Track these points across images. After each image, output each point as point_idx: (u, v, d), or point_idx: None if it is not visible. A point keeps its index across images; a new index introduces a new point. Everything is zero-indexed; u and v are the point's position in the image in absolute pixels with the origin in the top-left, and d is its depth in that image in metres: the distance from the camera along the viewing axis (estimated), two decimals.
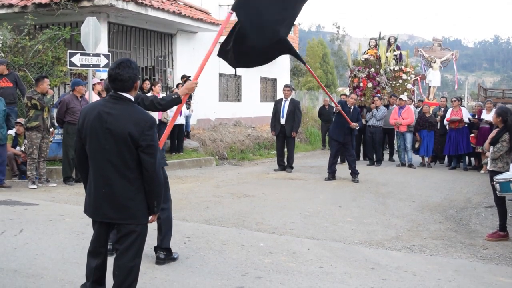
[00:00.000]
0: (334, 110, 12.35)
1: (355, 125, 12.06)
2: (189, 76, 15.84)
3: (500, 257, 6.49)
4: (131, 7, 13.26)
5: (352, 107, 12.38)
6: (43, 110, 9.85)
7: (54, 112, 10.72)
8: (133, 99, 4.05)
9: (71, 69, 12.26)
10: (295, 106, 13.28)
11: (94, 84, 11.25)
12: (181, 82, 15.57)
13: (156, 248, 5.59)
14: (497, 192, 6.98)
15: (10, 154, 10.62)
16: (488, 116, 13.70)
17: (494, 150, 7.35)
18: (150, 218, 4.09)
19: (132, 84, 4.03)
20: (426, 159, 15.29)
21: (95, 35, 11.17)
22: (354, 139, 13.17)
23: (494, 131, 7.60)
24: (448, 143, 14.42)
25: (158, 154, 4.79)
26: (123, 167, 3.91)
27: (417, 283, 5.32)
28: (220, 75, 19.52)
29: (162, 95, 13.78)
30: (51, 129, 10.32)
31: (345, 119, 11.77)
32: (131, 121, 3.89)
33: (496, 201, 7.43)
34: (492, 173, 7.32)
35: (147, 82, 13.36)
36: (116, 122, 3.89)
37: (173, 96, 5.44)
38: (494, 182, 7.03)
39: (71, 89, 10.80)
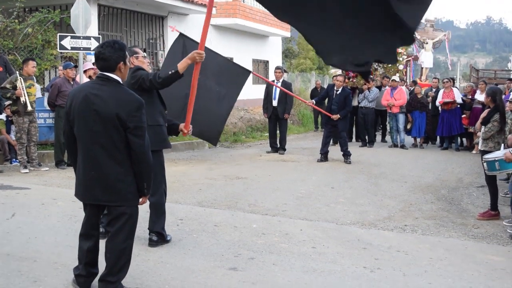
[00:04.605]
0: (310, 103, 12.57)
1: (335, 117, 11.79)
2: None
3: (491, 236, 6.54)
4: None
5: (340, 89, 12.07)
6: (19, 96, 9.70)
7: (46, 96, 10.69)
8: (120, 80, 4.03)
9: (61, 52, 12.17)
10: (287, 88, 13.23)
11: (86, 70, 11.16)
12: None
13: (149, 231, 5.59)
14: (486, 171, 7.03)
15: (3, 138, 10.56)
16: (481, 96, 13.72)
17: (485, 130, 7.39)
18: (140, 200, 4.09)
19: (115, 65, 4.00)
20: (418, 140, 15.33)
21: (85, 17, 11.08)
22: (348, 122, 13.02)
23: (485, 111, 7.64)
24: (441, 124, 14.44)
25: (154, 137, 4.96)
26: (112, 148, 3.90)
27: (409, 262, 5.36)
28: None
29: None
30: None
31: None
32: (118, 103, 3.88)
33: (487, 180, 7.47)
34: (483, 153, 7.36)
35: None
36: (104, 104, 3.88)
37: (170, 72, 5.27)
38: (483, 162, 7.08)
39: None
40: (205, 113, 6.33)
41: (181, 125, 5.85)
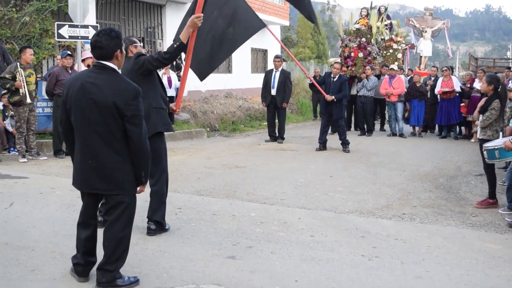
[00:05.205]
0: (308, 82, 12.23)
1: (330, 97, 11.69)
2: None
3: (489, 224, 6.55)
4: None
5: (337, 76, 12.01)
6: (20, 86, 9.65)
7: (44, 84, 10.65)
8: (117, 68, 4.02)
9: (59, 41, 12.12)
10: (285, 77, 13.21)
11: (84, 59, 11.10)
12: None
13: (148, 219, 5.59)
14: (486, 159, 7.03)
15: (0, 127, 10.53)
16: (480, 85, 13.69)
17: (483, 118, 7.37)
18: (138, 188, 4.08)
19: (112, 53, 3.98)
20: (417, 128, 15.33)
21: (83, 6, 11.03)
22: (344, 110, 12.94)
23: (483, 100, 7.61)
24: (440, 113, 14.43)
25: (160, 119, 5.18)
26: (109, 137, 3.89)
27: (407, 250, 5.37)
28: None
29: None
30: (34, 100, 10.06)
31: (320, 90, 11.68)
32: (115, 91, 3.86)
33: (485, 169, 7.48)
34: (482, 142, 7.35)
35: None
36: (100, 93, 3.86)
37: (175, 46, 5.31)
38: (483, 150, 7.07)
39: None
40: (204, 47, 6.34)
41: (171, 105, 5.95)
